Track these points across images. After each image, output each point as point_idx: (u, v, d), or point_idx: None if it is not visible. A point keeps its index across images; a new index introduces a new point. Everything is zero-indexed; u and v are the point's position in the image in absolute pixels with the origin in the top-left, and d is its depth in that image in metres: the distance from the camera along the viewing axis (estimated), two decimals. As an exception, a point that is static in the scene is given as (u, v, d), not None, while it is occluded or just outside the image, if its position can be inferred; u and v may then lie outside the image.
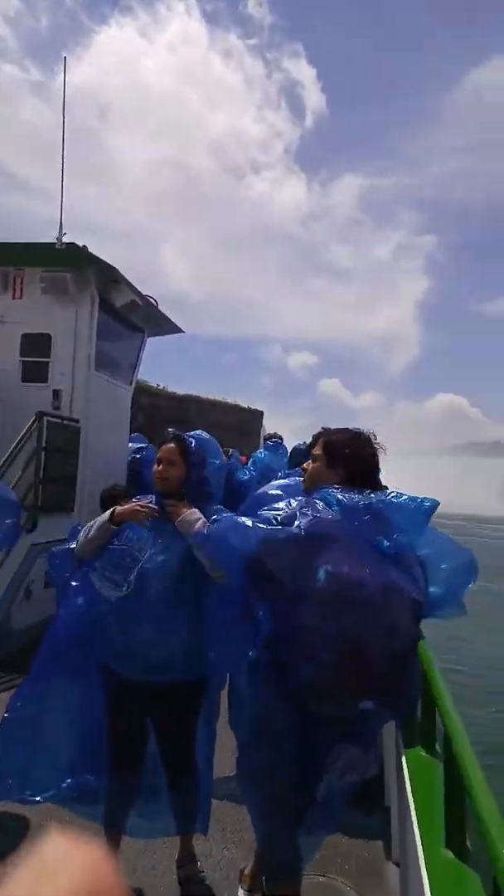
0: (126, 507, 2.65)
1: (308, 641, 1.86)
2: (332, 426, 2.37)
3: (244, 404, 29.45)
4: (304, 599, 1.86)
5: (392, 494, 2.05)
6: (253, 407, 29.58)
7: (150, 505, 2.65)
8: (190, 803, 2.74)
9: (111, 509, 2.68)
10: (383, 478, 2.29)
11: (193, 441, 2.75)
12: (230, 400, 28.87)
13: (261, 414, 29.34)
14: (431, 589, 2.03)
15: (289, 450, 7.11)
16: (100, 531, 2.64)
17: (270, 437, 7.99)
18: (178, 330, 9.49)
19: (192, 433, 2.81)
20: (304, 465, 2.32)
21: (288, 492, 2.48)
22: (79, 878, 0.45)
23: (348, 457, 2.15)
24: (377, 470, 2.21)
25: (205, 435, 2.86)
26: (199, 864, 2.84)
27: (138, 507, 2.62)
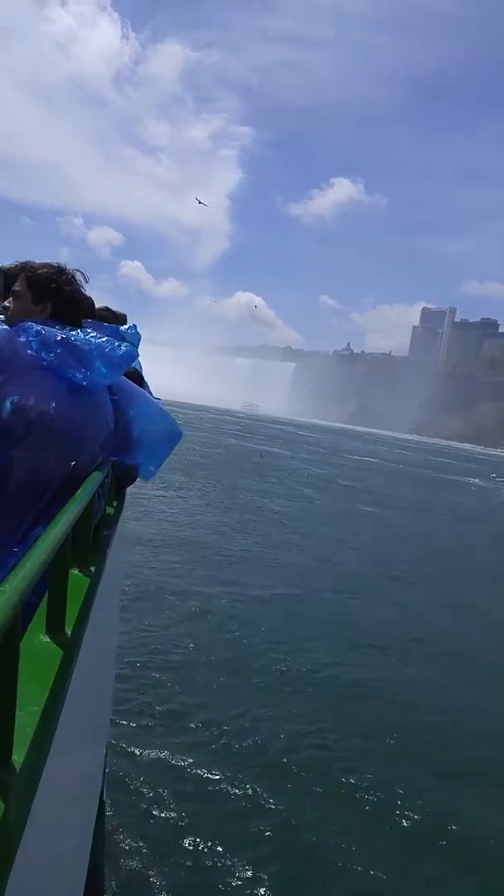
0: None
1: None
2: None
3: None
4: None
5: (92, 334, 2.05)
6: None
7: None
8: None
9: None
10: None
11: None
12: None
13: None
14: (136, 443, 2.25)
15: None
16: None
17: None
18: None
19: None
20: (6, 302, 2.18)
21: None
22: None
23: (54, 291, 2.08)
24: (82, 307, 2.18)
25: None
26: None
27: None
